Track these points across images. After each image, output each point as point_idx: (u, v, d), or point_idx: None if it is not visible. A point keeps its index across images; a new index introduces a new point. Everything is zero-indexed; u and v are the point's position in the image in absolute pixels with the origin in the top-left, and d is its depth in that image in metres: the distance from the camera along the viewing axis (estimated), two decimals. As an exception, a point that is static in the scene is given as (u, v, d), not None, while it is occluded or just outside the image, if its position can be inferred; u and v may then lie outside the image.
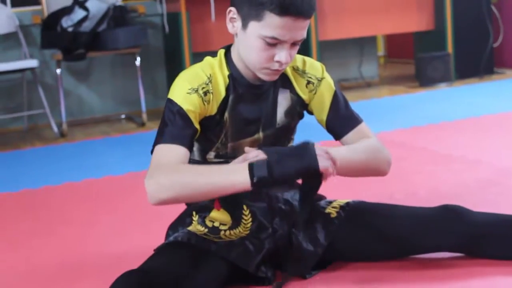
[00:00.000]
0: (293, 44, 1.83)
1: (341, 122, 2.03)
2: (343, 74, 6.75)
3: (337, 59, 6.71)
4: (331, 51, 6.59)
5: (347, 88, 6.48)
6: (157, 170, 1.78)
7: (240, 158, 1.82)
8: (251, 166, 1.74)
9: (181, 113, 1.84)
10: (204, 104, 1.87)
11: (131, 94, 5.88)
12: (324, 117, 2.03)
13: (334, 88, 2.04)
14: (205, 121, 1.90)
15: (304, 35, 1.82)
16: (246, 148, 1.86)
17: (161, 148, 1.83)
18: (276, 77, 1.90)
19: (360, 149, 1.96)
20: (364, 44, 6.83)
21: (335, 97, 2.03)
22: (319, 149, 1.79)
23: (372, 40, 6.96)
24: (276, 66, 1.83)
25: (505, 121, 4.30)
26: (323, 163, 1.77)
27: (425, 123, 4.44)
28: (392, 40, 8.97)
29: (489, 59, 6.53)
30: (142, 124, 5.39)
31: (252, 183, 1.73)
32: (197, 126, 1.86)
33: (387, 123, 4.52)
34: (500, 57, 6.91)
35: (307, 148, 1.79)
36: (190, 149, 1.86)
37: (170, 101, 1.86)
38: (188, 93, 1.85)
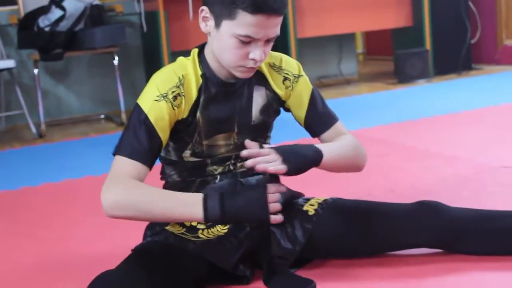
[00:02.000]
0: (267, 41, 1.83)
1: (319, 120, 2.06)
2: (322, 71, 6.76)
3: (316, 56, 6.72)
4: (310, 48, 6.60)
5: (327, 85, 6.50)
6: (116, 185, 1.80)
7: (250, 162, 1.84)
8: (206, 204, 1.80)
9: (147, 124, 1.84)
10: (173, 109, 1.87)
11: (109, 94, 5.86)
12: (303, 115, 2.05)
13: (311, 86, 2.06)
14: (177, 124, 1.91)
15: (278, 32, 1.84)
16: (247, 141, 1.89)
17: (122, 160, 1.84)
18: (251, 75, 1.90)
19: (346, 145, 2.03)
20: (343, 41, 6.85)
21: (313, 95, 2.05)
22: (271, 195, 1.85)
23: (351, 37, 6.98)
24: (250, 63, 1.84)
25: (483, 117, 4.33)
26: (273, 216, 1.84)
27: (404, 119, 4.46)
28: (371, 37, 9.00)
29: (467, 55, 6.57)
30: (121, 124, 5.38)
31: (205, 221, 1.81)
32: (165, 135, 1.87)
33: (366, 120, 4.53)
34: (478, 53, 6.96)
35: (260, 199, 1.83)
36: (151, 164, 1.87)
37: (138, 107, 1.87)
38: (156, 100, 1.85)
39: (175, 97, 1.87)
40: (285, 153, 1.87)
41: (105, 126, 5.49)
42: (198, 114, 1.92)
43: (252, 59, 1.83)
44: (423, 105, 5.00)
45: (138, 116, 1.85)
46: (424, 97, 5.43)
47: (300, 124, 2.08)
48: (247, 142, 1.93)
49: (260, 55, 1.82)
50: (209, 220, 1.80)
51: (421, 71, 6.25)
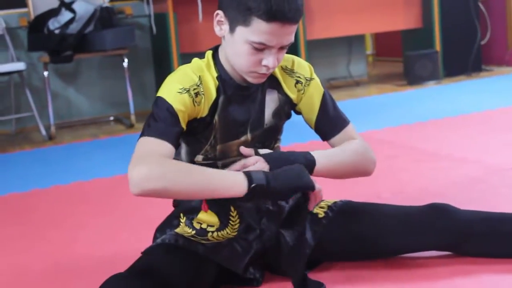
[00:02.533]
0: (281, 48, 1.83)
1: (329, 123, 2.04)
2: (332, 73, 6.76)
3: (326, 58, 6.72)
4: (319, 50, 6.60)
5: (336, 87, 6.49)
6: (146, 158, 1.71)
7: (237, 165, 1.84)
8: (250, 174, 1.77)
9: (171, 111, 1.81)
10: (194, 105, 1.86)
11: (119, 96, 5.87)
12: (314, 118, 2.04)
13: (323, 89, 2.05)
14: (195, 122, 1.89)
15: (292, 39, 1.83)
16: (242, 148, 1.88)
17: (148, 140, 1.78)
18: (263, 80, 1.90)
19: (348, 151, 2.00)
20: (352, 43, 6.85)
21: (324, 98, 2.04)
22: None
23: (360, 38, 6.98)
24: (263, 70, 1.83)
25: (493, 119, 4.32)
26: (317, 185, 1.83)
27: (414, 121, 4.45)
28: (380, 39, 8.99)
29: (477, 57, 6.55)
30: (131, 126, 5.39)
31: (248, 189, 1.74)
32: (184, 126, 1.84)
33: (376, 121, 4.53)
34: (488, 54, 6.94)
35: (303, 169, 1.83)
36: (176, 148, 1.83)
37: (160, 99, 1.83)
38: (179, 92, 1.83)
39: (196, 94, 1.86)
40: (273, 161, 1.85)
41: (114, 128, 5.50)
42: (216, 116, 1.91)
43: (265, 66, 1.82)
44: (433, 107, 4.99)
45: (162, 105, 1.82)
46: (434, 99, 5.41)
47: (311, 127, 2.07)
48: (242, 149, 1.91)
49: (273, 62, 1.82)
50: (252, 188, 1.74)
51: (430, 72, 6.23)
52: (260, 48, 1.79)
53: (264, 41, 1.77)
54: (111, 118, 5.91)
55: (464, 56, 6.49)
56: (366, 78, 6.98)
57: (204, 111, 1.89)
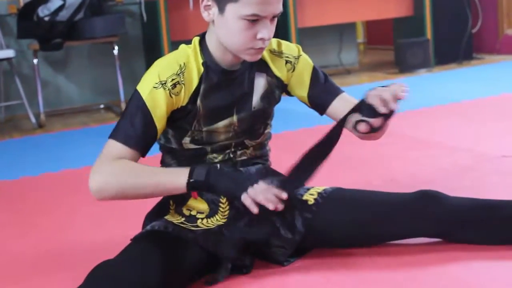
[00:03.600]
0: (272, 19, 1.83)
1: (323, 93, 2.04)
2: (323, 61, 6.76)
3: (317, 46, 6.72)
4: (310, 38, 6.59)
5: (327, 75, 6.48)
6: (104, 167, 1.82)
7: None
8: (193, 169, 1.81)
9: (144, 111, 1.85)
10: (171, 97, 1.87)
11: (109, 84, 5.85)
12: (305, 93, 2.05)
13: (312, 63, 2.06)
14: (176, 112, 1.91)
15: (281, 8, 1.84)
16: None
17: (114, 144, 1.85)
18: (259, 56, 1.90)
19: None
20: (343, 31, 6.84)
21: (314, 71, 2.06)
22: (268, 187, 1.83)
23: (351, 26, 6.97)
24: (259, 44, 1.84)
25: (484, 107, 4.33)
26: (245, 198, 1.81)
27: (404, 109, 4.44)
28: (372, 27, 8.99)
29: (468, 45, 6.56)
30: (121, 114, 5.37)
31: (187, 184, 1.80)
32: (161, 124, 1.88)
33: (367, 109, 4.52)
34: (479, 43, 6.95)
35: (244, 180, 1.85)
36: (144, 151, 1.89)
37: (137, 93, 1.87)
38: (154, 87, 1.86)
39: (174, 85, 1.87)
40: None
41: (104, 116, 5.49)
42: (198, 102, 1.92)
43: (261, 39, 1.82)
44: (424, 95, 4.99)
45: (137, 102, 1.86)
46: (425, 87, 5.42)
47: (306, 104, 2.06)
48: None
49: (269, 34, 1.82)
50: (192, 183, 1.80)
51: (422, 60, 6.24)
52: (253, 19, 1.79)
53: (257, 11, 1.78)
54: (101, 106, 5.90)
55: (455, 44, 6.50)
56: (357, 66, 6.99)
57: (183, 100, 1.91)
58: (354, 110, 1.85)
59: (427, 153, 3.25)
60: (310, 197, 2.05)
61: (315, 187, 2.10)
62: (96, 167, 1.83)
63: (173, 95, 1.87)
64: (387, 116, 1.80)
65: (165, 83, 1.86)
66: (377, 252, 2.03)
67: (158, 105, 1.86)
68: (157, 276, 1.72)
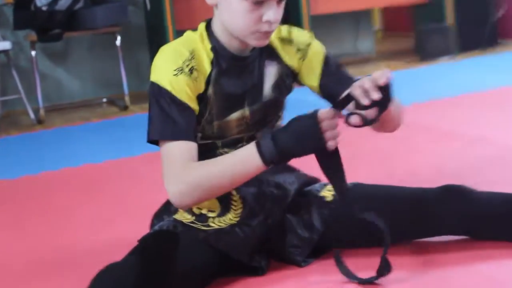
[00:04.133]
0: (279, 1, 1.82)
1: (335, 83, 2.01)
2: (338, 49, 6.73)
3: (331, 34, 6.70)
4: (324, 26, 6.57)
5: (342, 63, 6.46)
6: (174, 176, 1.80)
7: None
8: (260, 149, 1.76)
9: (175, 101, 1.82)
10: (193, 83, 1.86)
11: (112, 76, 5.85)
12: (316, 82, 2.02)
13: (324, 50, 2.04)
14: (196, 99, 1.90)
15: None
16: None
17: (168, 146, 1.83)
18: (266, 41, 1.88)
19: None
20: (359, 18, 6.83)
21: (326, 59, 2.03)
22: (325, 123, 1.75)
23: (367, 13, 6.95)
24: (265, 27, 1.82)
25: (510, 96, 4.30)
26: (330, 142, 1.75)
27: (427, 99, 4.43)
28: (389, 13, 8.96)
29: (492, 30, 6.53)
30: (125, 108, 5.38)
31: (266, 165, 1.77)
32: (195, 105, 1.86)
33: (386, 100, 4.50)
34: (504, 28, 6.90)
35: (312, 128, 1.75)
36: (196, 138, 1.87)
37: (158, 87, 1.84)
38: (174, 75, 1.83)
39: (191, 70, 1.86)
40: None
41: (107, 111, 5.49)
42: (210, 89, 1.90)
43: (267, 21, 1.81)
44: (447, 84, 4.98)
45: (162, 95, 1.83)
46: (448, 75, 5.40)
47: (317, 94, 2.04)
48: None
49: (275, 16, 1.81)
50: (269, 162, 1.77)
51: (443, 47, 6.21)
52: (258, 1, 1.78)
53: None
54: (104, 100, 5.90)
55: (479, 30, 6.46)
56: (375, 55, 6.97)
57: (201, 87, 1.89)
58: (341, 104, 1.81)
59: (452, 145, 3.24)
60: (328, 193, 2.04)
61: (334, 182, 2.07)
62: (167, 179, 1.81)
63: (194, 81, 1.86)
64: (380, 105, 1.77)
65: (182, 69, 1.84)
66: (399, 252, 2.01)
67: (184, 90, 1.83)
68: (167, 280, 1.71)
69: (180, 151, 1.82)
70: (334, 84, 2.01)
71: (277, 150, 1.75)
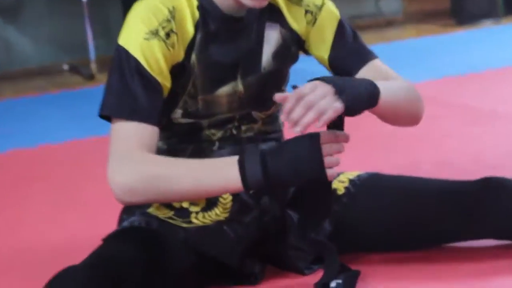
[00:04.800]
0: None
1: (349, 57, 2.02)
2: (356, 9, 6.75)
3: (348, -10, 6.72)
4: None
5: (362, 27, 6.45)
6: (125, 164, 1.79)
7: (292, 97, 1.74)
8: (243, 165, 1.76)
9: (142, 73, 1.82)
10: (169, 50, 1.86)
11: (75, 38, 5.86)
12: (326, 54, 2.03)
13: (338, 15, 2.04)
14: (171, 70, 1.89)
15: None
16: (277, 96, 1.79)
17: (122, 126, 1.82)
18: (265, 2, 1.88)
19: (394, 85, 1.97)
20: (383, -30, 6.84)
21: (340, 26, 2.04)
22: (325, 146, 1.76)
23: (393, -36, 6.97)
24: None
25: None
26: (330, 171, 1.76)
27: (464, 72, 4.44)
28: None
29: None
30: (91, 77, 5.38)
31: (245, 188, 1.77)
32: (165, 80, 1.86)
33: (413, 72, 4.48)
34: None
35: (312, 151, 1.76)
36: (159, 121, 1.85)
37: (124, 51, 1.84)
38: (146, 38, 1.83)
39: (167, 34, 1.86)
40: (336, 83, 1.77)
41: (69, 80, 5.51)
42: (193, 57, 1.91)
43: None
44: (490, 53, 4.98)
45: (127, 62, 1.83)
46: (491, 43, 5.41)
47: (326, 67, 2.05)
48: (277, 96, 1.80)
49: None
50: (250, 187, 1.76)
51: (486, 8, 6.22)
52: None
53: None
54: (65, 66, 5.89)
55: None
56: (401, 17, 6.98)
57: (179, 54, 1.89)
58: (339, 123, 1.82)
59: (493, 128, 3.25)
60: (340, 185, 2.05)
61: (347, 172, 2.09)
62: (114, 165, 1.79)
63: (169, 48, 1.86)
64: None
65: (156, 32, 1.84)
66: (425, 259, 2.02)
67: (155, 59, 1.83)
68: (135, 286, 1.71)
69: (137, 136, 1.81)
70: (348, 57, 2.03)
71: (265, 177, 1.75)
